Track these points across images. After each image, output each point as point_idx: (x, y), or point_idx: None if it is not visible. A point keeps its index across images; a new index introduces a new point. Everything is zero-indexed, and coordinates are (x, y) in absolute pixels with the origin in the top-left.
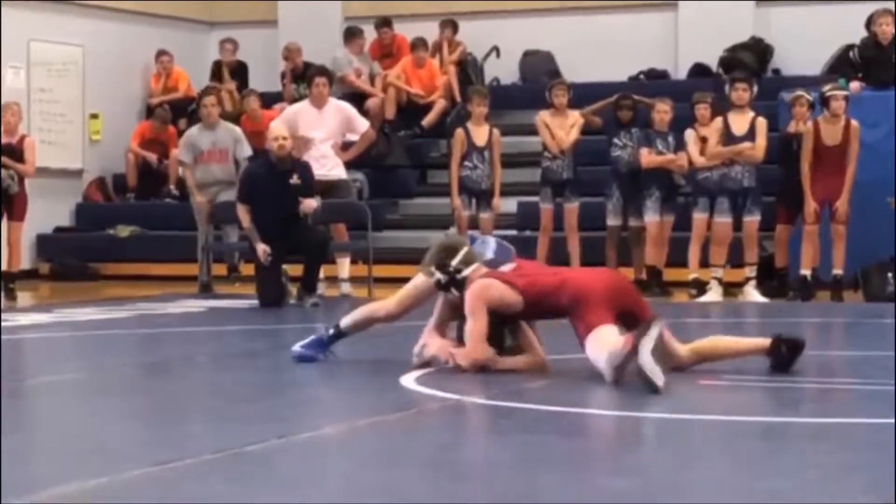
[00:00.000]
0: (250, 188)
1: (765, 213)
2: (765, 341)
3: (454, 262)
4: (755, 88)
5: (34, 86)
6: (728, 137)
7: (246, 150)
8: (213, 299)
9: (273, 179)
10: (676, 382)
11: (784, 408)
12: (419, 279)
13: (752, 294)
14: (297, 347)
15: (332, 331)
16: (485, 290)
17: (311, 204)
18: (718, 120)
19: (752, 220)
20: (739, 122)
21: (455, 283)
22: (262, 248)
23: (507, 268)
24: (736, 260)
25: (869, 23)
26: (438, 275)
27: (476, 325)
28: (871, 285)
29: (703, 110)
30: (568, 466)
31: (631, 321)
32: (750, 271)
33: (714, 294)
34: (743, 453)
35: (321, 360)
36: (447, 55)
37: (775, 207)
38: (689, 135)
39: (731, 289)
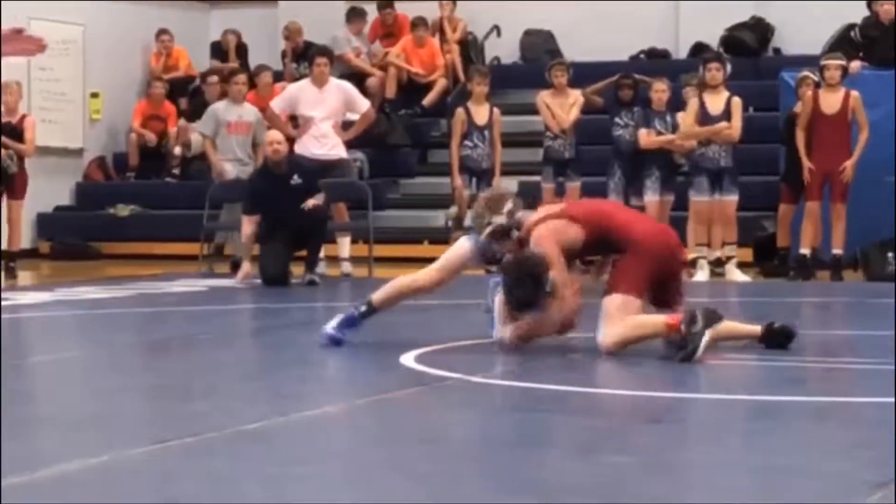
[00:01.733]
0: (255, 201)
1: (757, 192)
2: (756, 328)
3: (506, 208)
4: (728, 68)
5: (34, 65)
6: (704, 117)
7: (265, 133)
8: (215, 278)
9: (275, 186)
10: (677, 360)
11: (786, 386)
12: (460, 245)
13: (735, 273)
14: (328, 329)
15: (363, 307)
16: (555, 233)
17: (310, 203)
18: (694, 100)
19: (731, 199)
20: (714, 102)
21: (513, 228)
22: (244, 271)
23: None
24: (740, 240)
25: (871, 2)
26: (498, 220)
27: (561, 272)
28: (871, 265)
29: (714, 71)
30: (570, 444)
31: (662, 288)
32: (730, 250)
33: (703, 273)
34: (746, 431)
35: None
36: (450, 33)
37: (779, 187)
38: (692, 102)
39: (743, 268)
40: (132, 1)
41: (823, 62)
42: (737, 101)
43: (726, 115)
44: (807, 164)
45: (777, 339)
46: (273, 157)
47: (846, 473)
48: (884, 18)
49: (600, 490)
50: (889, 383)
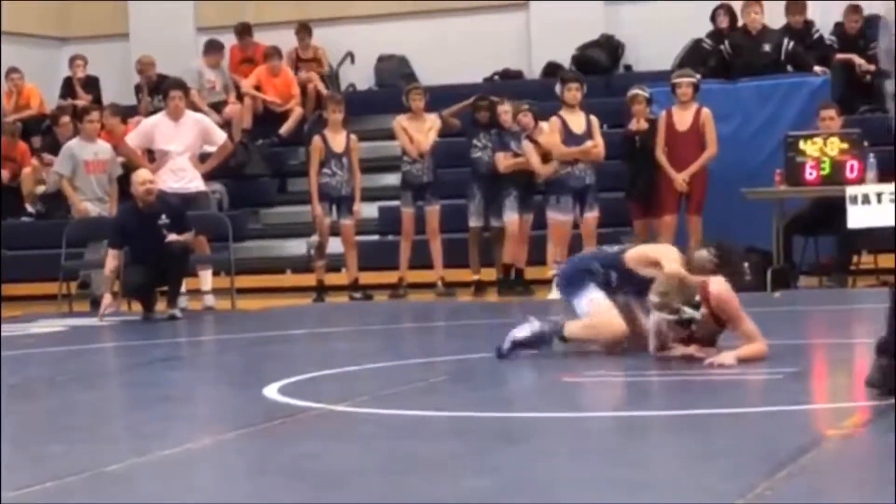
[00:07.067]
0: (121, 236)
1: (614, 208)
2: None
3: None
4: (585, 87)
5: None
6: (568, 136)
7: (118, 169)
8: (75, 318)
9: (143, 224)
10: (537, 380)
11: (644, 401)
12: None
13: None
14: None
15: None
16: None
17: (172, 237)
18: (555, 120)
19: (593, 215)
20: (576, 121)
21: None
22: (106, 303)
23: None
24: None
25: (713, 16)
26: (690, 312)
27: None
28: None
29: (525, 119)
30: (431, 469)
31: None
32: None
33: (556, 293)
34: (606, 448)
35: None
36: (311, 60)
37: (626, 204)
38: (527, 146)
39: None
40: None
41: (675, 80)
42: (595, 120)
43: (589, 133)
44: (675, 177)
45: None
46: (146, 198)
47: (707, 485)
48: (752, 28)
49: None
50: (744, 393)
